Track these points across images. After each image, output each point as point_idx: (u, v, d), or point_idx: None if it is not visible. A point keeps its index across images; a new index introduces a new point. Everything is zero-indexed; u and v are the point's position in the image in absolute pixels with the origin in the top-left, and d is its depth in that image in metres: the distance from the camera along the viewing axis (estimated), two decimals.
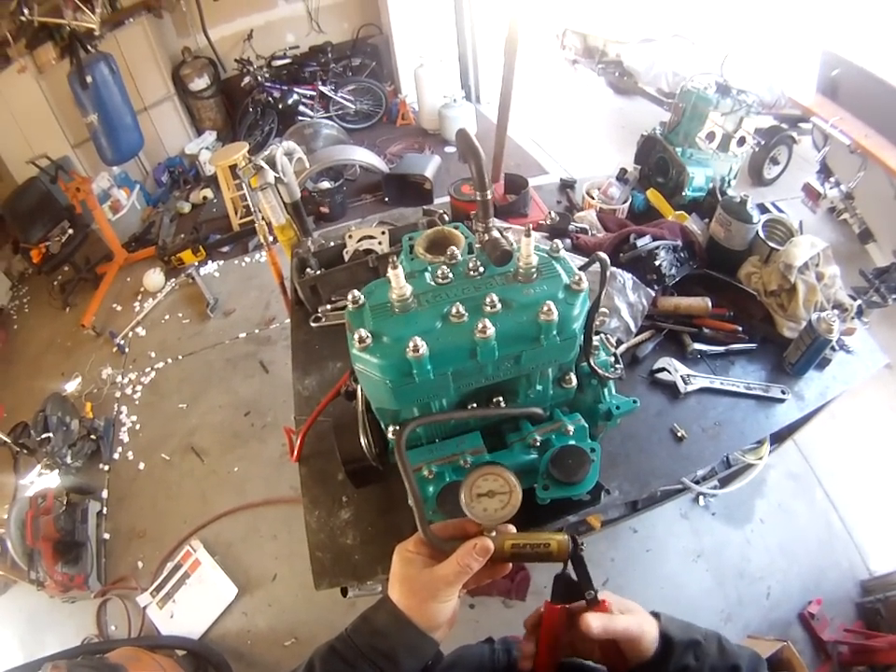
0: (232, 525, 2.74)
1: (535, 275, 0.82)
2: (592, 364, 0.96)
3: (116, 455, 3.16)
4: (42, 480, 3.04)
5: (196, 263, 4.30)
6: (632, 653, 0.67)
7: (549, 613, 0.70)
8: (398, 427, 0.91)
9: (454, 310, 0.77)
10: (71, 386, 3.63)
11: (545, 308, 0.77)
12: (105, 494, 2.97)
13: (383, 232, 1.69)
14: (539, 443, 0.91)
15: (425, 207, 1.80)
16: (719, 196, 1.81)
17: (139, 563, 2.68)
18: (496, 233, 0.84)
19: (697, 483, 1.94)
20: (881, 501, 2.45)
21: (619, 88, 5.66)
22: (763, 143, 3.83)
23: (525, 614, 0.74)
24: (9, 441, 3.14)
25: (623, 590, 2.20)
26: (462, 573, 0.66)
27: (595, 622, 0.64)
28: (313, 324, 1.67)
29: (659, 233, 1.63)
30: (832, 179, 3.47)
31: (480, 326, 0.74)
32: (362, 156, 4.37)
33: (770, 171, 4.23)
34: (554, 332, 0.80)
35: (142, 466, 3.08)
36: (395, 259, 0.72)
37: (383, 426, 0.98)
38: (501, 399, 0.91)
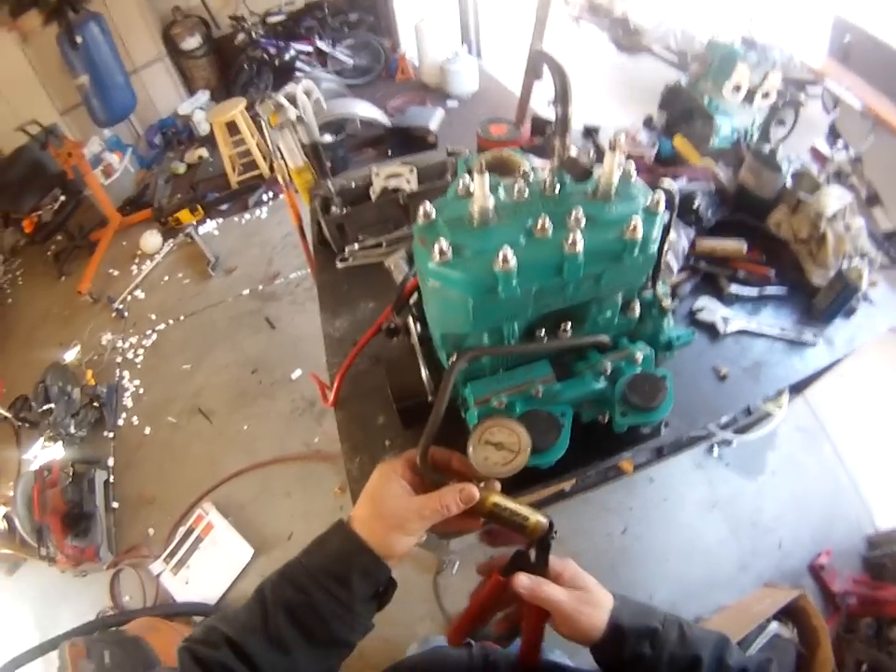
0: (244, 485, 2.72)
1: (613, 195, 0.79)
2: (657, 291, 0.94)
3: (120, 422, 3.12)
4: (46, 452, 3.00)
5: (194, 222, 4.21)
6: (570, 633, 0.66)
7: (492, 583, 0.70)
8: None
9: (539, 224, 0.73)
10: (70, 355, 3.56)
11: (632, 225, 0.74)
12: (111, 462, 2.93)
13: (411, 170, 1.61)
14: (609, 371, 0.90)
15: (448, 148, 1.73)
16: (744, 147, 1.79)
17: (150, 530, 2.66)
18: (574, 151, 0.81)
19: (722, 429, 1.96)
20: (887, 459, 2.49)
21: (622, 45, 5.55)
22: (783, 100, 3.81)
23: None
24: (10, 415, 3.09)
25: (642, 538, 2.25)
26: (438, 513, 0.65)
27: (524, 580, 0.65)
28: (340, 264, 1.60)
29: (694, 176, 1.61)
30: (839, 143, 3.45)
31: (570, 239, 0.71)
32: (363, 109, 4.26)
33: (776, 133, 4.20)
34: (637, 251, 0.77)
35: (148, 430, 3.05)
36: (482, 163, 0.68)
37: (443, 356, 0.96)
38: (570, 324, 0.89)
